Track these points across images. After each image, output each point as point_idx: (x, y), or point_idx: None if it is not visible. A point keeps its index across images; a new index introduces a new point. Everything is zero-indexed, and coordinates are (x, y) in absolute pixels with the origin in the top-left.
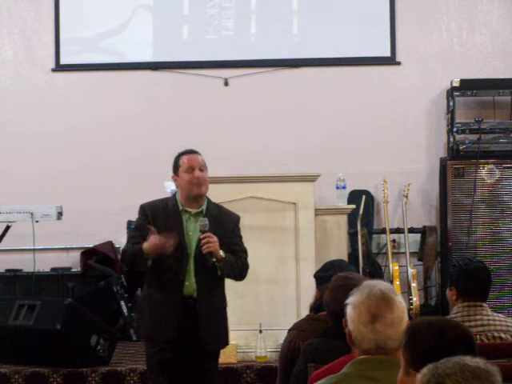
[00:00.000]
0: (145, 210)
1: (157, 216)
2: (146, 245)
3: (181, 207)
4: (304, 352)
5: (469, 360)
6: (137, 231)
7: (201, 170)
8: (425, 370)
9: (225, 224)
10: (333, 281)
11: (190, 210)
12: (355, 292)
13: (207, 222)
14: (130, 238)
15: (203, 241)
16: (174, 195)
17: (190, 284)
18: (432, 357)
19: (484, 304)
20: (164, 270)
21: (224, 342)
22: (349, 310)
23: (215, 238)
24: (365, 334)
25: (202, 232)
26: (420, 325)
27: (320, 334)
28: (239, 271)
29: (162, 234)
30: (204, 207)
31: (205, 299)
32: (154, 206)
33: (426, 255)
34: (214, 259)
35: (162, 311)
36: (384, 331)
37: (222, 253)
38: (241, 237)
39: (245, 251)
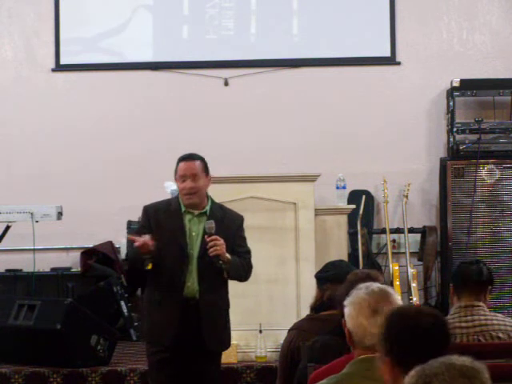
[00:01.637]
0: (147, 211)
1: (159, 217)
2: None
3: (183, 208)
4: (311, 348)
5: (455, 359)
6: (137, 233)
7: (193, 180)
8: (412, 372)
9: (228, 225)
10: (351, 275)
11: (192, 210)
12: (351, 293)
13: (214, 225)
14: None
15: (210, 244)
16: (177, 196)
17: (192, 285)
18: (405, 344)
19: (482, 304)
20: (164, 271)
21: (227, 343)
22: (348, 310)
23: (222, 241)
24: (366, 327)
25: (209, 235)
26: (393, 314)
27: (329, 331)
28: (244, 273)
29: (162, 235)
30: (208, 208)
31: (208, 300)
32: (156, 207)
33: (426, 255)
34: (221, 262)
35: (162, 314)
36: None
37: (228, 255)
38: (244, 238)
39: (249, 252)
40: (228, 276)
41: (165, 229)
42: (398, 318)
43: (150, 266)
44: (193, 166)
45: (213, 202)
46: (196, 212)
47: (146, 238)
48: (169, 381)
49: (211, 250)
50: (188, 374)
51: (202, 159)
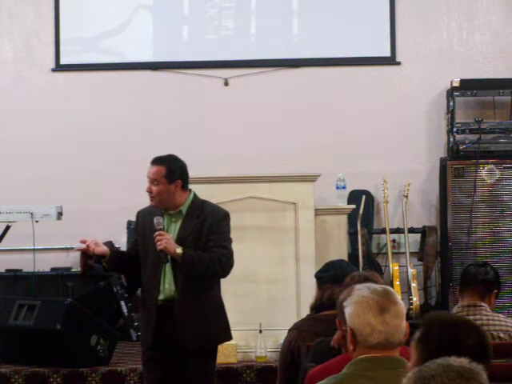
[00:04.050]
0: (137, 216)
1: (145, 221)
2: None
3: (163, 210)
4: (315, 350)
5: (453, 360)
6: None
7: (151, 184)
8: (410, 374)
9: (204, 221)
10: (349, 279)
11: (170, 212)
12: (354, 293)
13: (161, 221)
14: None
15: (156, 239)
16: None
17: (170, 286)
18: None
19: (484, 304)
20: (146, 273)
21: (212, 340)
22: (352, 308)
23: (167, 236)
24: (375, 326)
25: (157, 230)
26: (435, 322)
27: (331, 333)
28: (213, 266)
29: (145, 238)
30: (184, 208)
31: (185, 300)
32: (144, 211)
33: (426, 255)
34: (169, 256)
35: (144, 315)
36: (392, 322)
37: (179, 250)
38: (221, 233)
39: (222, 246)
40: (184, 271)
41: (148, 231)
42: (440, 328)
43: (105, 265)
44: (153, 171)
45: (193, 201)
46: (172, 213)
47: (89, 242)
48: (156, 379)
49: (157, 244)
50: (175, 373)
51: (169, 164)
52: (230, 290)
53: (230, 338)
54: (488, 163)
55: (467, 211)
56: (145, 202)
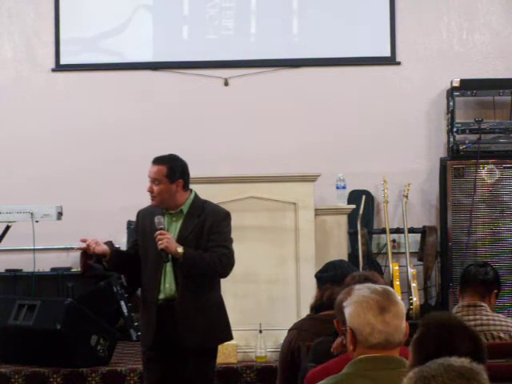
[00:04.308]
0: (137, 216)
1: (145, 220)
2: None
3: (164, 210)
4: (314, 349)
5: (453, 360)
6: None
7: (153, 183)
8: (410, 374)
9: (204, 221)
10: (349, 278)
11: (171, 211)
12: (354, 292)
13: (162, 220)
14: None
15: (156, 238)
16: None
17: (170, 285)
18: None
19: (484, 304)
20: (146, 273)
21: (212, 340)
22: (352, 308)
23: (168, 235)
24: (375, 325)
25: (158, 229)
26: (432, 324)
27: (331, 333)
28: (213, 265)
29: (145, 237)
30: (185, 207)
31: (185, 299)
32: (145, 211)
33: (426, 255)
34: (169, 255)
35: (143, 315)
36: (392, 322)
37: (180, 249)
38: (222, 233)
39: (223, 246)
40: (185, 271)
41: (148, 231)
42: (438, 330)
43: (105, 265)
44: (154, 171)
45: (194, 200)
46: (173, 212)
47: (90, 241)
48: (156, 379)
49: (158, 243)
50: (175, 373)
51: (171, 164)
52: (230, 289)
53: (230, 337)
54: (488, 163)
55: (467, 211)
56: (145, 201)
